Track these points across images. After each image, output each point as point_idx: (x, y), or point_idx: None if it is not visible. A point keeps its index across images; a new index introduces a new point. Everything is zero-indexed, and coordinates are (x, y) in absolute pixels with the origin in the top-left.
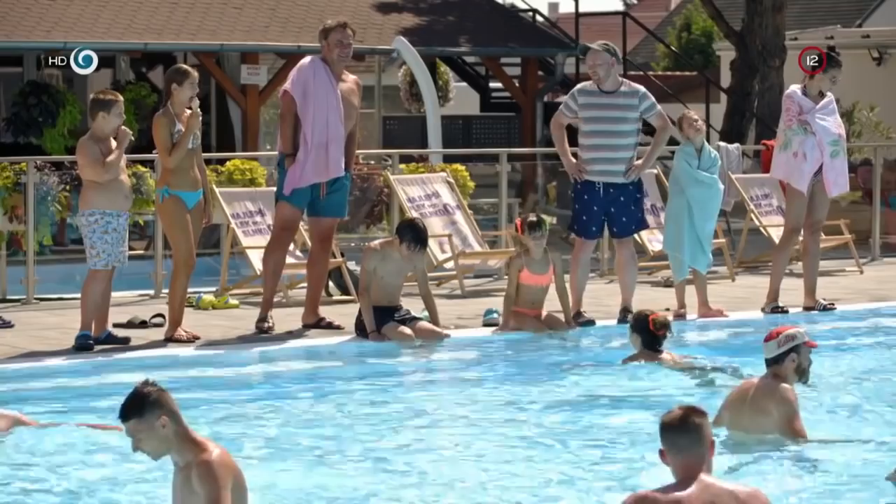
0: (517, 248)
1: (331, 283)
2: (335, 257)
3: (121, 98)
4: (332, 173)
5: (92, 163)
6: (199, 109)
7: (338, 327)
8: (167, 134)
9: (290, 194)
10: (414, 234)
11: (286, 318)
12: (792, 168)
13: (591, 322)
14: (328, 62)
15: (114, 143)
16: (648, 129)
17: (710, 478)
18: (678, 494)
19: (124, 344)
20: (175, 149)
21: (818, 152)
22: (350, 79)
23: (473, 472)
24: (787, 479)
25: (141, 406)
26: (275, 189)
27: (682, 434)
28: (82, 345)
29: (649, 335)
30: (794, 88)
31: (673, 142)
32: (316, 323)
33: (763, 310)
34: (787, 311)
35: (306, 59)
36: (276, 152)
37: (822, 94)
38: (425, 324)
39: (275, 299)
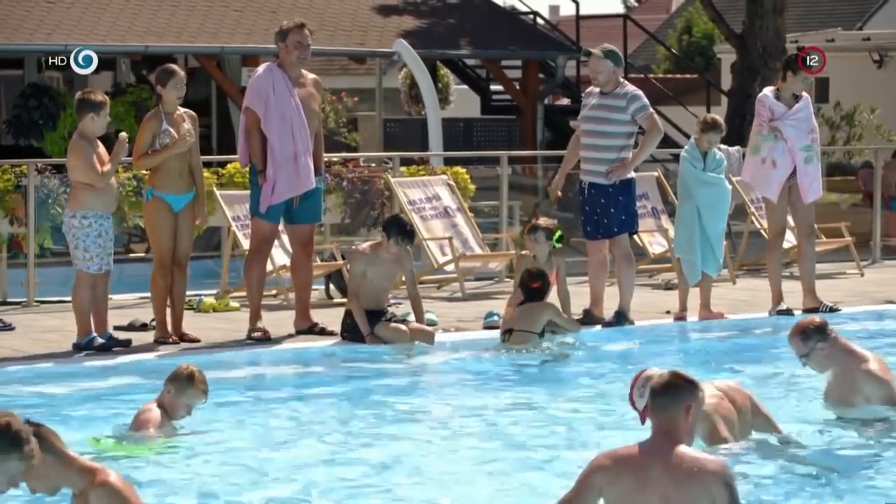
0: (517, 250)
1: (331, 286)
2: (335, 260)
3: (108, 99)
4: (303, 186)
5: (88, 167)
6: (186, 129)
7: (331, 333)
8: (148, 137)
9: (266, 211)
10: (399, 227)
11: (287, 321)
12: (761, 175)
13: (597, 323)
14: (284, 67)
15: (102, 148)
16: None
17: (680, 447)
18: (635, 447)
19: (126, 346)
20: (148, 157)
21: (789, 159)
22: (308, 80)
23: (471, 476)
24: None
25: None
26: None
27: (662, 394)
28: (91, 345)
29: (527, 290)
30: (767, 92)
31: (672, 145)
32: (309, 329)
33: (770, 313)
34: (793, 313)
35: (261, 70)
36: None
37: (796, 98)
38: (415, 323)
39: (275, 302)
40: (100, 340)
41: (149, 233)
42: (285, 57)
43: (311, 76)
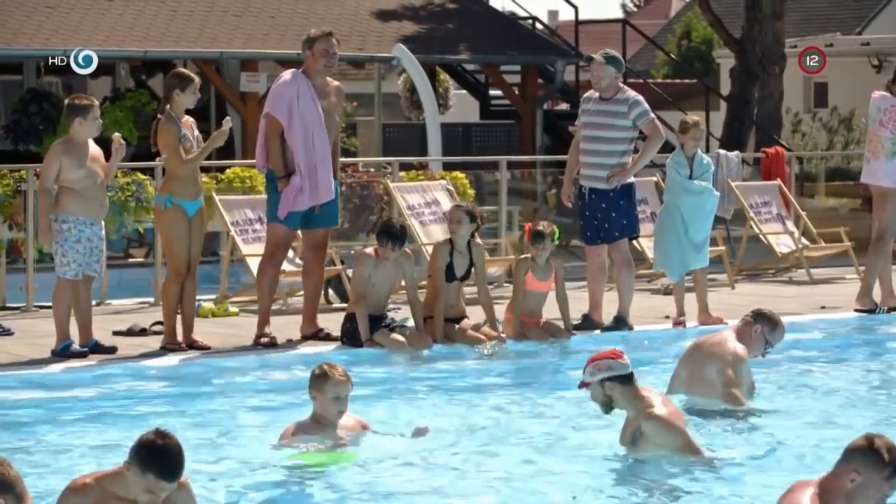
0: (516, 254)
1: (330, 291)
2: (335, 265)
3: (96, 102)
4: (323, 197)
5: (44, 172)
6: (227, 119)
7: (336, 338)
8: (175, 139)
9: (286, 217)
10: (385, 232)
11: (286, 325)
12: None
13: (596, 328)
14: (309, 74)
15: (94, 151)
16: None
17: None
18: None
19: (111, 353)
20: (193, 154)
21: None
22: (332, 88)
23: (471, 482)
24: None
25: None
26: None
27: (846, 448)
28: (64, 354)
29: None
30: (890, 96)
31: (671, 150)
32: (314, 334)
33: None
34: None
35: (286, 76)
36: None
37: None
38: (413, 329)
39: (274, 307)
40: (76, 347)
41: (165, 241)
42: (311, 65)
43: (334, 83)
